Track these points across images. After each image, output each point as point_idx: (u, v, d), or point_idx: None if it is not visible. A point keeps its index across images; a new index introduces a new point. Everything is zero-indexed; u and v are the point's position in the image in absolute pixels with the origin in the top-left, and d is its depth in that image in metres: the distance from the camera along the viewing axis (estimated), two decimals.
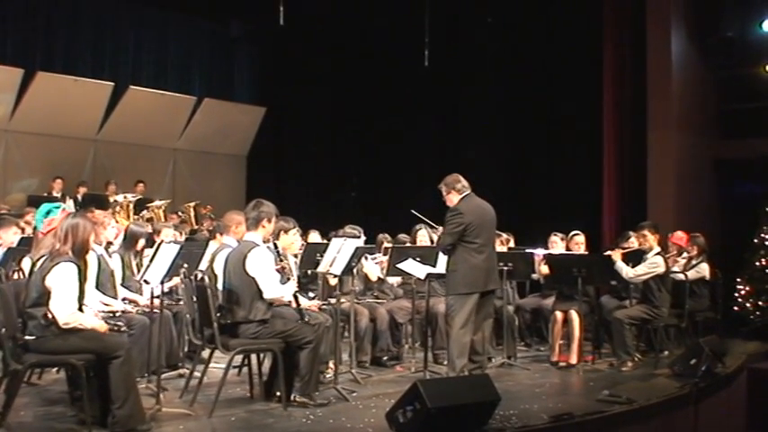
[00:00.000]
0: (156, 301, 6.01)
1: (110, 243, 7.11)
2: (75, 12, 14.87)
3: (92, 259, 5.85)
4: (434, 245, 7.56)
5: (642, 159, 12.13)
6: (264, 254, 5.89)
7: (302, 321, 6.09)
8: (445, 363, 7.14)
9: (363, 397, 6.33)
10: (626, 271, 7.95)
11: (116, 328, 5.43)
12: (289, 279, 6.12)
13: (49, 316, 4.85)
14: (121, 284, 6.82)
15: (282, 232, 6.86)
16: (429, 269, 7.31)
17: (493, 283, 6.81)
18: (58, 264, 4.88)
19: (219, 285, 6.02)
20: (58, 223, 5.05)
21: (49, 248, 4.98)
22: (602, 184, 12.46)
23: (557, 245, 8.94)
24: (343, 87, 15.89)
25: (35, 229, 6.26)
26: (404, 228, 9.03)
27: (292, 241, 7.05)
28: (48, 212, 5.37)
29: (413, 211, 6.96)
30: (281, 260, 6.09)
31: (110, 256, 6.82)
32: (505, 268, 7.87)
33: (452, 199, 6.79)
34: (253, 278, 5.78)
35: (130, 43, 15.61)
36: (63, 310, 4.86)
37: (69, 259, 4.92)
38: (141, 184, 14.26)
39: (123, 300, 6.64)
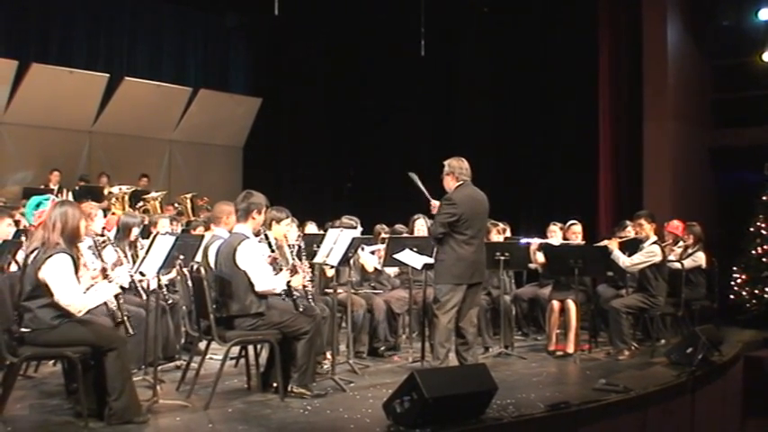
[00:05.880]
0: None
1: (99, 235, 7.05)
2: (69, 3, 14.79)
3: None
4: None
5: (638, 149, 12.12)
6: (254, 246, 5.86)
7: (298, 312, 6.08)
8: None
9: (360, 387, 6.33)
10: (623, 260, 7.94)
11: (127, 314, 5.45)
12: (281, 270, 6.09)
13: (62, 306, 4.81)
14: None
15: (275, 222, 6.81)
16: (426, 259, 7.24)
17: (478, 276, 6.68)
18: (50, 256, 4.81)
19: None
20: (47, 214, 5.00)
21: (40, 240, 4.91)
22: (598, 173, 12.44)
23: (555, 234, 8.93)
24: (338, 78, 15.85)
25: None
26: (401, 218, 9.03)
27: (285, 231, 7.00)
28: (38, 205, 5.33)
29: (410, 174, 6.71)
30: (273, 251, 6.04)
31: (102, 249, 6.76)
32: (502, 258, 7.87)
33: (449, 182, 6.66)
34: (244, 271, 5.76)
35: (125, 34, 15.53)
36: (73, 299, 4.83)
37: (62, 250, 4.85)
38: (145, 179, 14.23)
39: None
